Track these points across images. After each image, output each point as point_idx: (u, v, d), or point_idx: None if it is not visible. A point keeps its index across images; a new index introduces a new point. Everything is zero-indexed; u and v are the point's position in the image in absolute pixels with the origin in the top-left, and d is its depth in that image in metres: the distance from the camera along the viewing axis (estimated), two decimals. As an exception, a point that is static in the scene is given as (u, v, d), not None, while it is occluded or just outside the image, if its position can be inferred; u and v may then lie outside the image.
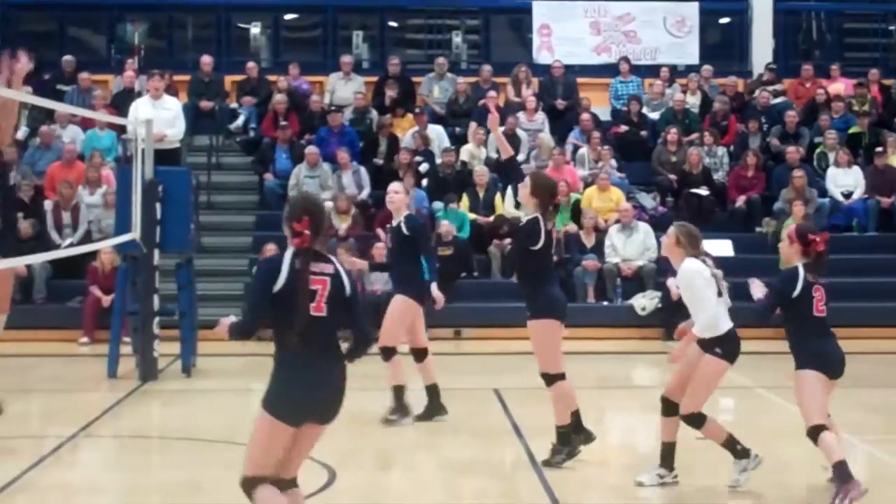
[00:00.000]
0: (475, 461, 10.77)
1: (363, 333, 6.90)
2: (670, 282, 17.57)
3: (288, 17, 26.43)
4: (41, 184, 20.98)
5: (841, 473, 8.70)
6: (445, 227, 20.19)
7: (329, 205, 20.91)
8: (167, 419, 12.35)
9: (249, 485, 6.66)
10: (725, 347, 9.13)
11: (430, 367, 12.47)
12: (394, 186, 12.49)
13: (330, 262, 6.78)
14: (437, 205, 21.21)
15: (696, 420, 9.27)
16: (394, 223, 12.42)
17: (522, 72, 24.03)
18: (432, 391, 12.49)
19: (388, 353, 12.21)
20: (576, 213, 21.17)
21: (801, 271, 9.05)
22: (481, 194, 21.36)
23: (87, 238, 19.87)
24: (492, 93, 23.36)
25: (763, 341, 13.68)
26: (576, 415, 10.40)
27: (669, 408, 9.40)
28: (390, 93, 23.50)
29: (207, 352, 15.79)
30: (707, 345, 9.16)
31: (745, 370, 12.19)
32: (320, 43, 26.12)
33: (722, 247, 19.95)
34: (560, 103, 23.83)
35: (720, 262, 10.73)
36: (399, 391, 12.31)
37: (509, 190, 21.41)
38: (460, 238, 20.45)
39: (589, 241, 20.59)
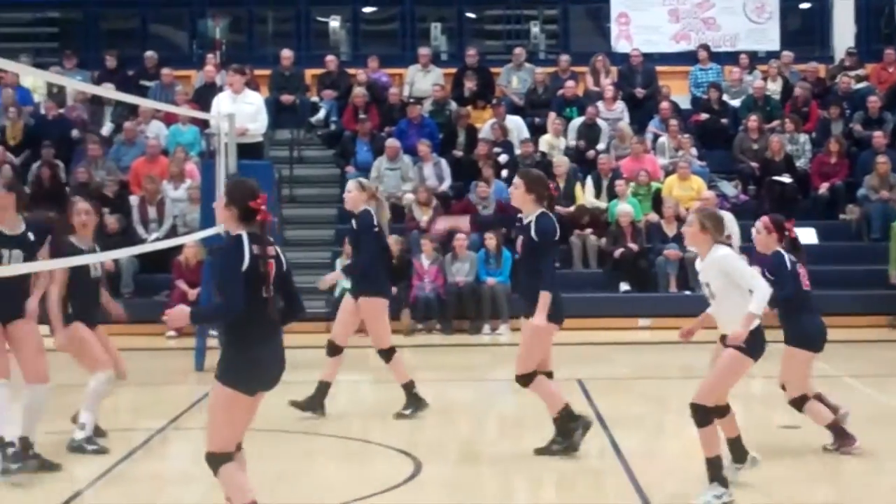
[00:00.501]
0: (560, 452, 10.80)
1: (299, 306, 7.58)
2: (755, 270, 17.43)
3: (366, 9, 26.53)
4: (126, 179, 21.25)
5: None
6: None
7: (410, 197, 21.03)
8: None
9: (217, 461, 7.27)
10: (750, 342, 8.68)
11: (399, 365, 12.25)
12: (349, 185, 12.27)
13: (271, 243, 7.28)
14: (518, 195, 21.20)
15: (703, 414, 8.87)
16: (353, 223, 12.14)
17: (601, 61, 23.99)
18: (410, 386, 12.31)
19: (387, 354, 12.03)
20: (656, 202, 21.11)
21: (786, 254, 10.08)
22: (561, 184, 21.33)
23: (172, 232, 20.10)
24: (570, 82, 23.35)
25: (851, 329, 13.59)
26: (566, 407, 10.40)
27: (718, 410, 9.06)
28: (469, 84, 23.55)
29: (289, 344, 15.88)
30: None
31: (833, 359, 12.16)
32: (399, 35, 26.21)
33: (805, 234, 19.77)
34: (639, 92, 23.75)
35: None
36: (409, 386, 12.13)
37: (589, 180, 21.42)
38: (541, 228, 20.43)
39: (670, 230, 20.51)
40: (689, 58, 24.72)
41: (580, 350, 17.67)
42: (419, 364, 15.34)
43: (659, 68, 24.31)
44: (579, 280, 20.31)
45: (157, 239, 19.49)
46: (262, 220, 7.12)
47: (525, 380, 10.37)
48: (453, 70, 24.28)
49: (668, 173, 21.71)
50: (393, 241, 19.15)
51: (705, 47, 24.41)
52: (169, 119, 22.39)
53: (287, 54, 23.84)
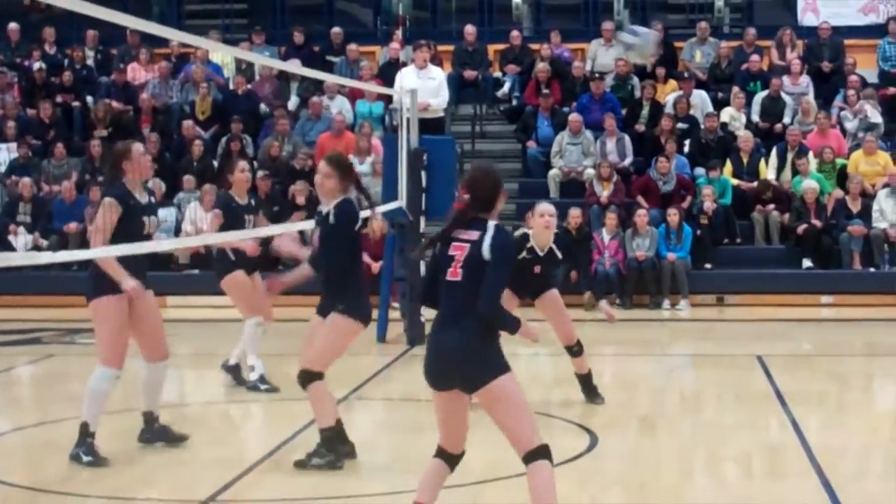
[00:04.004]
0: (738, 427, 10.80)
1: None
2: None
3: (549, -16, 26.51)
4: (313, 153, 21.66)
5: None
6: (707, 193, 20.13)
7: (591, 172, 21.05)
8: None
9: (310, 377, 8.19)
10: None
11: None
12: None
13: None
14: (699, 171, 21.11)
15: None
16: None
17: (787, 34, 23.63)
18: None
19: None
20: (841, 177, 20.78)
21: None
22: (745, 159, 21.15)
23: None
24: (754, 56, 23.08)
25: None
26: (339, 423, 9.33)
27: None
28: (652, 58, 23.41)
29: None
30: None
31: None
32: (581, 10, 26.14)
33: None
34: (826, 66, 23.35)
35: None
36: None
37: (773, 153, 21.15)
38: (722, 204, 20.33)
39: (855, 206, 20.20)
40: (877, 31, 24.22)
41: (761, 326, 17.57)
42: (598, 338, 15.38)
43: (846, 42, 23.86)
44: (761, 256, 20.18)
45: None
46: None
47: (309, 377, 9.14)
48: (636, 44, 24.14)
49: (853, 149, 21.36)
50: (575, 215, 19.22)
51: (895, 20, 23.88)
52: (353, 94, 22.73)
53: (470, 30, 24.00)
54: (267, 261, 13.29)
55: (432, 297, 6.81)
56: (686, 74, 23.11)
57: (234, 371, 12.49)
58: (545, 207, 10.99)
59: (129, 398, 10.67)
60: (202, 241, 10.97)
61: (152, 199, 9.79)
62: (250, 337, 12.14)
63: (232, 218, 11.79)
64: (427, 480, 6.92)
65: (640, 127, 22.20)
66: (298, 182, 20.65)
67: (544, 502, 6.67)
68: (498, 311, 6.62)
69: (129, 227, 9.30)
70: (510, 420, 6.64)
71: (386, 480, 8.87)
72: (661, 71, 23.01)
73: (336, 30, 24.48)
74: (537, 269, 10.91)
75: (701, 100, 22.55)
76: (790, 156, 20.95)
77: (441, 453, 6.92)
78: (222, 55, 24.08)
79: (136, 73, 24.22)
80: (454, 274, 6.62)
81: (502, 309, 6.68)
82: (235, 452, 10.00)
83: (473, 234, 6.64)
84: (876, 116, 21.78)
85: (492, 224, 6.68)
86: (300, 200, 20.34)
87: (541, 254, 10.89)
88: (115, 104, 23.29)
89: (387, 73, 21.70)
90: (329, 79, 20.65)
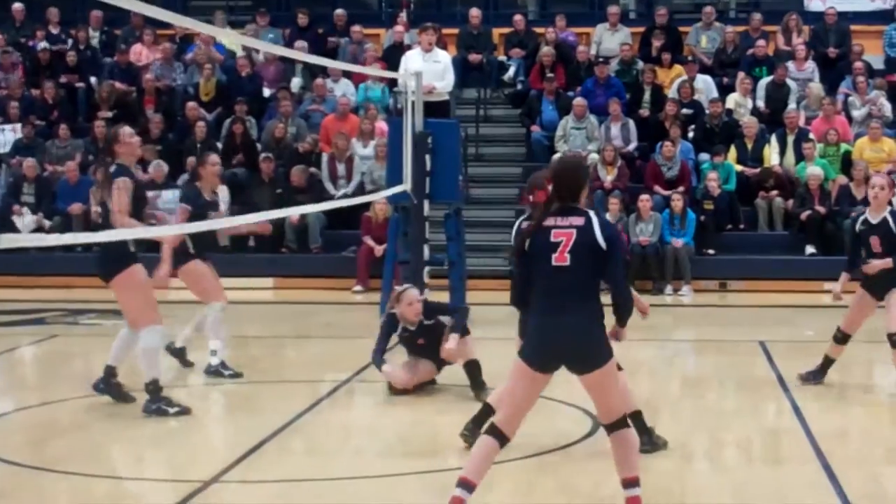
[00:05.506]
0: (739, 412, 10.83)
1: None
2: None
3: (555, -32, 26.47)
4: (318, 137, 21.65)
5: None
6: (712, 179, 20.12)
7: (595, 156, 21.02)
8: (436, 365, 12.71)
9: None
10: None
11: None
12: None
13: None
14: (703, 156, 21.09)
15: None
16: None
17: (793, 19, 23.58)
18: None
19: None
20: (846, 164, 20.75)
21: None
22: (749, 145, 21.12)
23: (360, 189, 20.43)
24: (760, 41, 23.03)
25: None
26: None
27: None
28: (657, 43, 23.36)
29: (476, 300, 16.09)
30: None
31: None
32: (587, -6, 26.12)
33: None
34: (832, 51, 23.31)
35: None
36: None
37: (774, 138, 21.10)
38: (726, 190, 20.32)
39: (859, 192, 20.14)
40: (884, 16, 24.17)
41: (763, 312, 17.58)
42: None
43: (853, 27, 23.82)
44: (764, 242, 20.20)
45: (345, 195, 19.85)
46: None
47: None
48: (641, 29, 24.14)
49: (858, 135, 21.33)
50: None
51: (902, 5, 23.87)
52: (357, 78, 22.71)
53: (475, 13, 23.95)
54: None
55: (527, 298, 7.07)
56: (691, 59, 23.07)
57: (180, 354, 12.48)
58: None
59: (125, 379, 10.72)
60: (209, 227, 11.01)
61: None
62: (216, 322, 12.05)
63: (197, 215, 11.74)
64: (480, 459, 6.99)
65: (644, 112, 22.16)
66: (298, 166, 20.68)
67: (632, 462, 7.19)
68: (631, 296, 7.17)
69: (138, 204, 10.06)
70: (612, 399, 7.09)
71: (389, 463, 8.88)
72: (666, 56, 22.95)
73: (340, 12, 24.45)
74: None
75: (706, 85, 22.52)
76: (790, 139, 20.92)
77: (497, 433, 7.02)
78: (227, 39, 24.05)
79: (140, 54, 24.19)
80: (561, 259, 6.85)
81: (631, 293, 7.23)
82: (234, 434, 10.02)
83: (577, 220, 6.90)
84: (887, 109, 21.72)
85: (591, 212, 6.95)
86: (300, 182, 20.35)
87: None
88: (118, 85, 23.26)
89: (392, 56, 21.69)
90: (332, 65, 20.62)
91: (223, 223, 11.57)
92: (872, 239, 11.09)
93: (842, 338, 11.45)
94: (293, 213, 17.70)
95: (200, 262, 12.02)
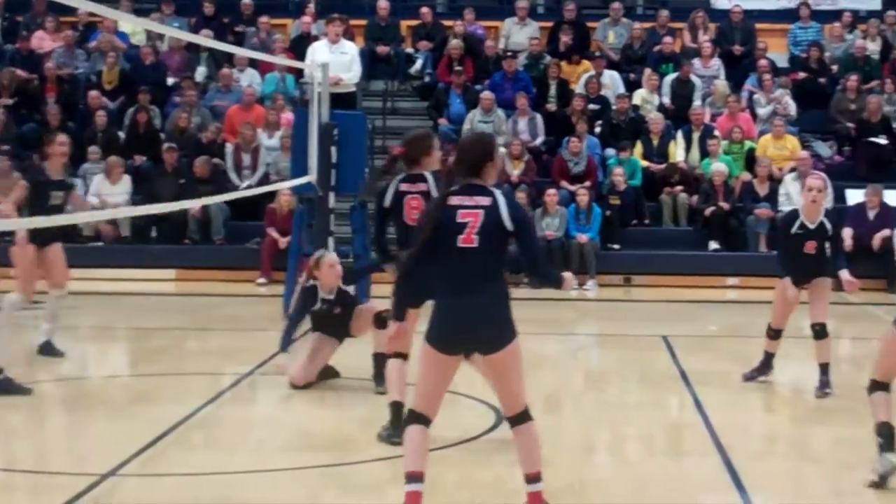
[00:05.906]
0: (642, 406, 10.87)
1: None
2: (847, 231, 17.05)
3: (464, -39, 26.41)
4: (222, 127, 21.44)
5: None
6: (617, 174, 20.20)
7: (502, 150, 21.01)
8: (338, 358, 12.59)
9: None
10: None
11: None
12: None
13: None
14: (609, 152, 21.18)
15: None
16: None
17: (700, 17, 23.75)
18: None
19: None
20: (750, 161, 20.94)
21: None
22: (655, 142, 21.24)
23: (265, 180, 20.27)
24: (667, 38, 23.16)
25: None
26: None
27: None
28: (565, 38, 23.41)
29: (380, 294, 15.99)
30: None
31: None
32: (496, -12, 26.10)
33: (897, 197, 19.61)
34: (737, 49, 23.50)
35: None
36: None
37: (679, 134, 21.23)
38: (632, 185, 20.42)
39: (762, 189, 20.36)
40: (789, 15, 24.42)
41: (667, 307, 17.68)
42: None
43: (758, 25, 24.05)
44: (668, 237, 20.32)
45: (250, 186, 19.69)
46: None
47: None
48: (550, 24, 24.17)
49: (762, 133, 21.53)
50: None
51: (806, 5, 24.07)
52: (264, 67, 22.53)
53: (383, 4, 23.83)
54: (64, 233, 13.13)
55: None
56: (598, 54, 23.15)
57: (49, 348, 12.37)
58: None
59: (26, 373, 10.54)
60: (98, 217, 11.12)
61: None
62: (8, 312, 11.58)
63: (38, 193, 11.76)
64: (417, 448, 6.87)
65: (552, 106, 22.20)
66: (202, 157, 20.47)
67: (535, 457, 6.99)
68: (551, 272, 7.07)
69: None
70: (515, 382, 6.90)
71: (291, 457, 8.79)
72: (575, 57, 23.02)
73: (247, 1, 24.20)
74: None
75: (613, 80, 22.61)
76: (695, 136, 21.07)
77: (420, 419, 6.90)
78: (132, 25, 23.75)
79: (42, 41, 23.80)
80: (468, 240, 6.70)
81: (550, 270, 7.12)
82: (133, 427, 9.86)
83: (484, 200, 6.74)
84: (792, 108, 21.92)
85: (498, 192, 6.78)
86: (203, 173, 20.15)
87: None
88: (19, 72, 22.87)
89: (298, 47, 21.54)
90: (239, 52, 20.44)
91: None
92: (808, 243, 11.01)
93: (774, 334, 11.41)
94: (195, 204, 17.53)
95: (31, 248, 11.83)
